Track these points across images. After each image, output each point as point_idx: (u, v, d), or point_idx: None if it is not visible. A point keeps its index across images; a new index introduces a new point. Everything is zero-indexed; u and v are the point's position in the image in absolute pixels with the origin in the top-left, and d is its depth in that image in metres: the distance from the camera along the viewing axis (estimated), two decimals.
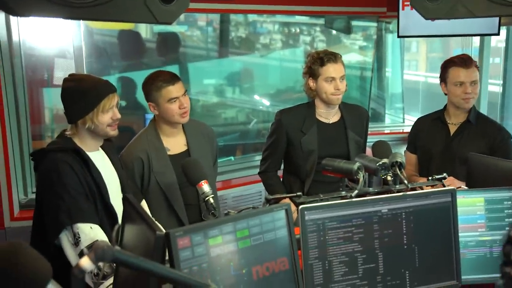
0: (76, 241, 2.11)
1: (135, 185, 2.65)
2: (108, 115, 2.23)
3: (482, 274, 2.06)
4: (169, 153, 2.73)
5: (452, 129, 3.08)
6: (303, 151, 2.91)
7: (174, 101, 2.64)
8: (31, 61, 3.68)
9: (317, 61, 2.87)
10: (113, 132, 2.29)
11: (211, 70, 5.00)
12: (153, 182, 2.67)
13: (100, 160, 2.33)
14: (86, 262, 1.11)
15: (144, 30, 4.56)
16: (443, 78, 3.06)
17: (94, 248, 1.09)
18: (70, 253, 2.13)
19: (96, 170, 2.25)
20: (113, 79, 4.18)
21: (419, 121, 3.29)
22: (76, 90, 2.21)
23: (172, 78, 2.67)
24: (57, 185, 2.13)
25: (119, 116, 2.27)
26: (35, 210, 2.28)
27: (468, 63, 2.97)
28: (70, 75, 2.32)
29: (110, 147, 2.43)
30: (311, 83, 2.90)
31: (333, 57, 2.85)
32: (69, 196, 2.12)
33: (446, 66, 3.04)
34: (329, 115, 2.98)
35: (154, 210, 2.64)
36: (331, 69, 2.84)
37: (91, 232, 2.12)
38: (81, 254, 2.08)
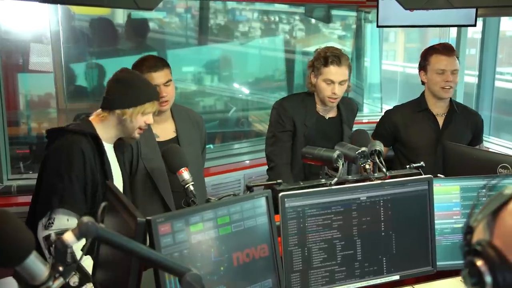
0: (48, 224, 2.11)
1: (124, 172, 2.63)
2: (144, 118, 2.29)
3: (456, 261, 2.11)
4: (158, 139, 2.70)
5: (440, 121, 2.98)
6: (305, 145, 2.86)
7: None
8: (6, 45, 3.61)
9: (321, 60, 2.76)
10: (137, 135, 2.34)
11: (189, 57, 4.96)
12: (141, 168, 2.64)
13: (111, 155, 2.35)
14: (69, 237, 1.11)
15: (122, 16, 4.50)
16: (423, 65, 2.96)
17: (78, 224, 1.09)
18: (39, 233, 2.13)
19: (107, 160, 2.27)
20: (91, 64, 4.12)
21: (396, 114, 3.10)
22: (130, 82, 2.28)
23: (156, 65, 2.62)
24: (63, 165, 2.14)
25: (151, 122, 2.34)
26: (35, 188, 2.25)
27: (450, 51, 2.90)
28: (123, 69, 2.37)
29: (120, 145, 2.44)
30: (313, 78, 2.82)
31: (337, 60, 2.73)
32: (69, 179, 2.12)
33: (427, 54, 2.95)
34: (325, 111, 2.94)
35: (141, 196, 2.63)
36: (332, 72, 2.74)
37: (67, 224, 2.12)
38: (47, 238, 2.10)
